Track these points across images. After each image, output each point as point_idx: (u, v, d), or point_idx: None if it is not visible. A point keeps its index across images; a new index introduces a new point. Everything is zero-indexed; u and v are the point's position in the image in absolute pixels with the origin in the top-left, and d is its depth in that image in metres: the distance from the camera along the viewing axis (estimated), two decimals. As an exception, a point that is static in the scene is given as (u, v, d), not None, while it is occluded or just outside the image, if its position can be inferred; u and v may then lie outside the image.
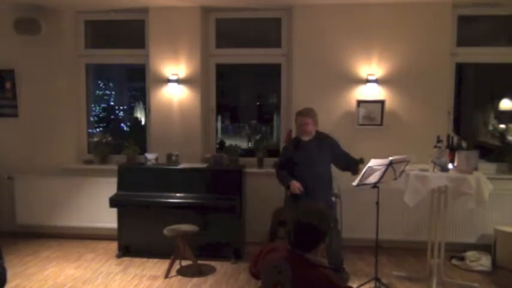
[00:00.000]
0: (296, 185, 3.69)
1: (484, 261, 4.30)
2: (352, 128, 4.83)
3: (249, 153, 5.52)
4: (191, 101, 5.04)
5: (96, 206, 4.95)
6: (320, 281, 1.85)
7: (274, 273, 1.92)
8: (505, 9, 4.73)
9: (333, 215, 3.71)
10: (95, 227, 5.06)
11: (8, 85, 5.23)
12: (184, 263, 4.29)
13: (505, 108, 5.39)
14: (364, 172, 3.39)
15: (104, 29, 5.47)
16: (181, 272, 4.21)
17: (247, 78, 6.14)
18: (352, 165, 3.79)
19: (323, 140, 3.85)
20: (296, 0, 4.72)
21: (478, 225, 4.67)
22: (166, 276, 4.09)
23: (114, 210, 4.64)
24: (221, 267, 4.34)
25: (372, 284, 3.74)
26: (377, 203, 3.61)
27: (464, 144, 3.99)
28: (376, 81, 4.77)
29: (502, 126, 5.44)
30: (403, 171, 3.61)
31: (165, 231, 4.10)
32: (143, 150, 5.23)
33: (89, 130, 5.52)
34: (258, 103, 6.24)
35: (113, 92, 6.75)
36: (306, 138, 3.80)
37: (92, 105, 5.72)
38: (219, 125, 5.68)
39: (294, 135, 4.13)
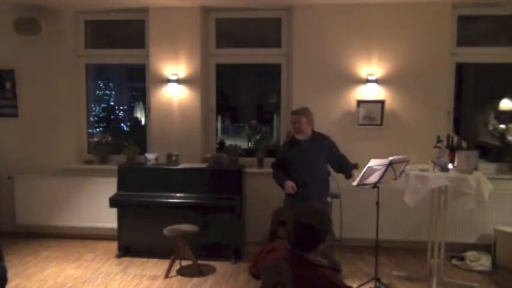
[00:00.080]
0: (290, 185, 3.71)
1: (484, 261, 4.30)
2: (352, 128, 4.83)
3: (249, 153, 5.52)
4: (191, 101, 5.04)
5: (96, 206, 4.95)
6: (320, 281, 1.85)
7: (274, 273, 1.92)
8: (505, 9, 4.74)
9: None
10: (95, 227, 5.06)
11: (8, 85, 5.23)
12: (184, 263, 4.29)
13: (505, 108, 5.38)
14: (364, 172, 3.39)
15: (104, 29, 5.47)
16: (181, 272, 4.21)
17: (247, 78, 6.13)
18: (346, 168, 3.80)
19: (320, 140, 3.85)
20: (296, 0, 4.72)
21: (478, 225, 4.67)
22: (166, 276, 4.09)
23: (114, 210, 4.64)
24: (221, 267, 4.34)
25: (372, 284, 3.74)
26: (377, 203, 3.61)
27: (464, 144, 3.98)
28: (376, 81, 4.77)
29: (502, 126, 5.43)
30: (403, 171, 3.61)
31: (165, 231, 4.10)
32: (143, 150, 5.23)
33: (89, 130, 5.52)
34: (258, 103, 6.23)
35: (113, 92, 6.73)
36: (301, 137, 3.79)
37: (92, 105, 5.72)
38: (219, 125, 5.67)
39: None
